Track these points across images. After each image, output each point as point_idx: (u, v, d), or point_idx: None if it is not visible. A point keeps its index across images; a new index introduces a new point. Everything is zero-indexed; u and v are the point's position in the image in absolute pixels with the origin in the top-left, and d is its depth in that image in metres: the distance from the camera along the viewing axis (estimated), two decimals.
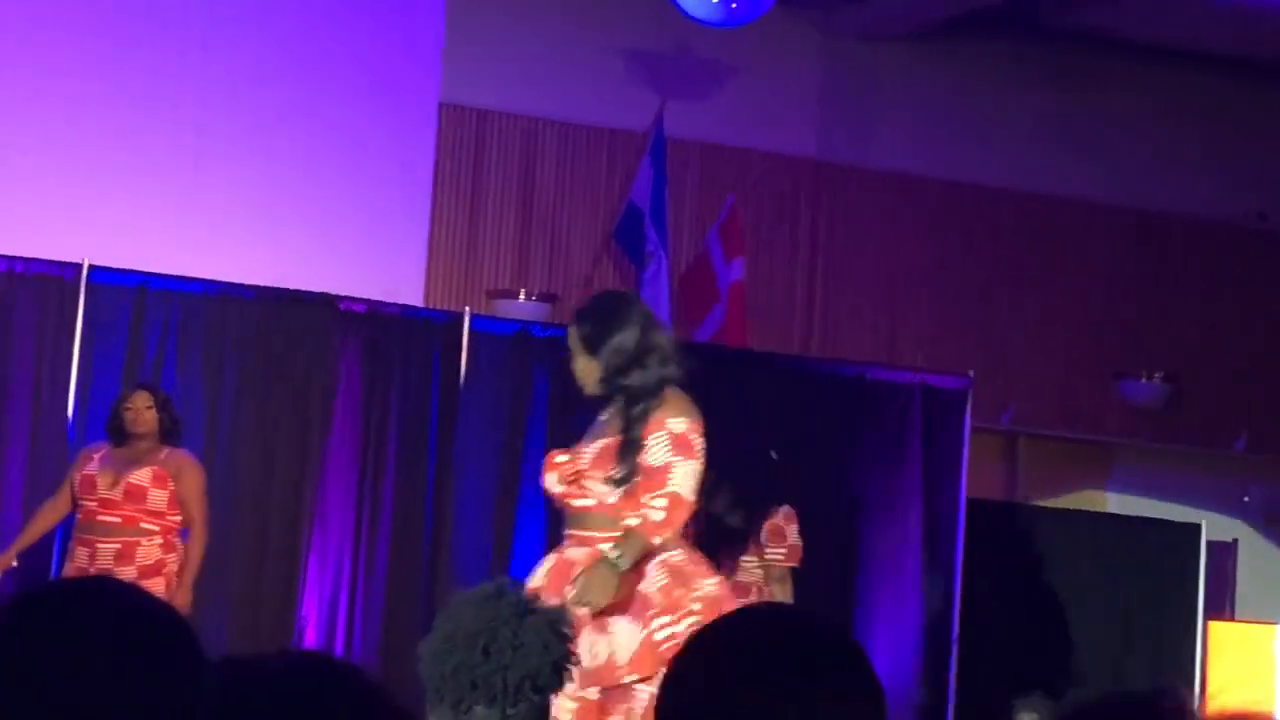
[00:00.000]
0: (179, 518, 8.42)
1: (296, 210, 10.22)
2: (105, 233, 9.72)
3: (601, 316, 5.79)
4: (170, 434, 8.55)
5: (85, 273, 9.11)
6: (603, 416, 5.79)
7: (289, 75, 10.26)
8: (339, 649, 9.22)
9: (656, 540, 5.55)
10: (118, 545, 8.29)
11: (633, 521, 5.55)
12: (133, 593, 1.95)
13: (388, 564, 9.47)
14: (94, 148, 9.90)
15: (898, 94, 12.20)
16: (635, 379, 5.69)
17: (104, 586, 1.95)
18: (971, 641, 10.30)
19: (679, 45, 11.53)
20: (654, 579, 5.56)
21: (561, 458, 5.80)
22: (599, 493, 5.67)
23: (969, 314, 12.29)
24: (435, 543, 9.54)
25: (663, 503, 5.54)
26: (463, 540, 9.57)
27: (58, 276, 9.10)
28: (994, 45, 12.31)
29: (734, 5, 10.19)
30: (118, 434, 8.50)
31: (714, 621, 2.26)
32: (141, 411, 8.49)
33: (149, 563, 8.31)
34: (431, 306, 10.37)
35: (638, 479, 5.59)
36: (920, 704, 10.25)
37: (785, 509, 9.24)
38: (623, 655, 5.48)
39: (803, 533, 9.27)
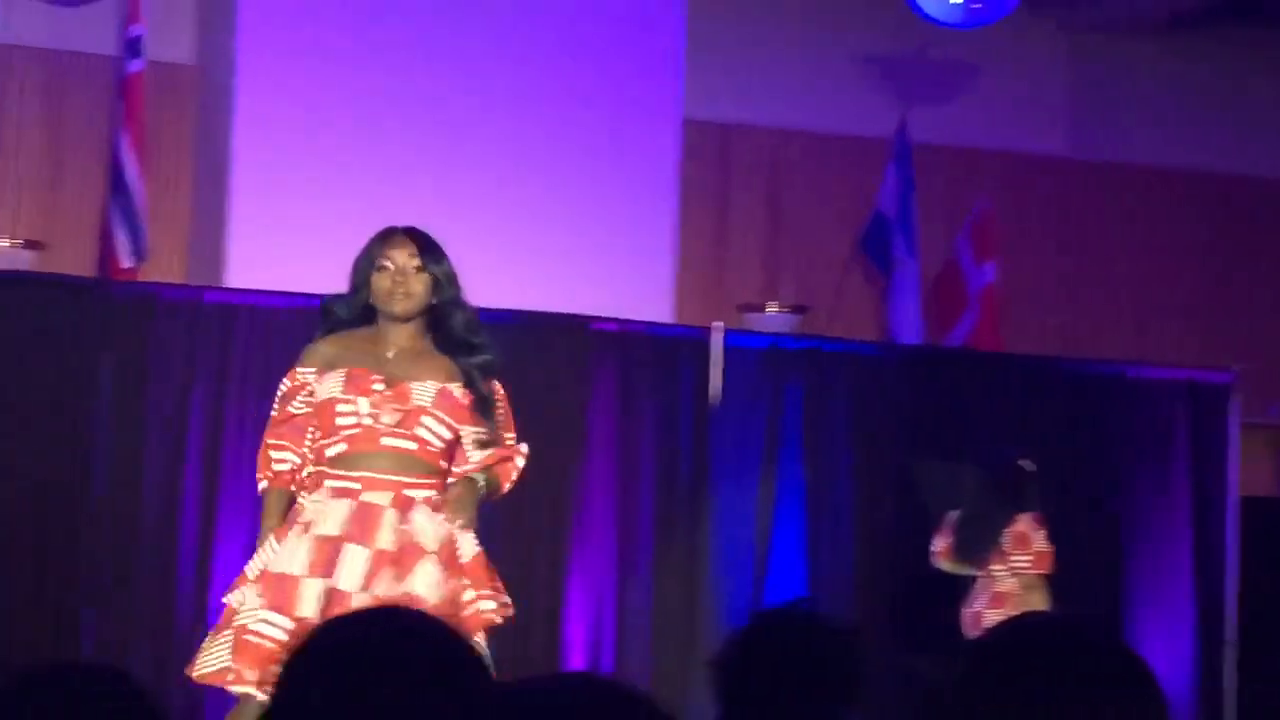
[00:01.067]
0: None
1: (543, 232, 10.31)
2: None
3: (435, 243, 6.00)
4: None
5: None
6: (389, 353, 5.70)
7: (531, 98, 10.36)
8: (605, 671, 9.27)
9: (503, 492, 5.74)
10: None
11: (505, 466, 5.69)
12: (428, 620, 2.00)
13: (651, 583, 9.50)
14: (348, 182, 10.08)
15: (1148, 87, 11.97)
16: (481, 333, 5.75)
17: (398, 613, 2.00)
18: (1251, 641, 10.05)
19: (921, 49, 11.43)
20: (470, 547, 5.68)
21: (378, 384, 5.65)
22: (442, 440, 5.61)
23: (1231, 307, 12.01)
24: (694, 559, 9.55)
25: (522, 463, 5.76)
26: (721, 555, 9.57)
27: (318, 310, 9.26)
28: (1246, 33, 12.02)
29: (976, 6, 10.08)
30: None
31: (987, 634, 2.21)
32: None
33: None
34: (681, 323, 10.39)
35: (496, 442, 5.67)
36: (1198, 708, 10.03)
37: (1029, 515, 9.10)
38: (431, 598, 5.49)
39: (1056, 538, 9.12)
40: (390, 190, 10.06)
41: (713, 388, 9.65)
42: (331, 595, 5.47)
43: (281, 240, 9.85)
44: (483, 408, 5.66)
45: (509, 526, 9.35)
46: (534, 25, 10.40)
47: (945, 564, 9.24)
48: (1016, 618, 2.36)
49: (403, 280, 5.75)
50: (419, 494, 5.61)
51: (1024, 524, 9.09)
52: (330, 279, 9.47)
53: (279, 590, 5.48)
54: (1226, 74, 12.05)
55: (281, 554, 5.53)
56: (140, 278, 9.90)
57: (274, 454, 5.72)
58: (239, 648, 5.48)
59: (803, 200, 11.49)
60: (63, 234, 10.31)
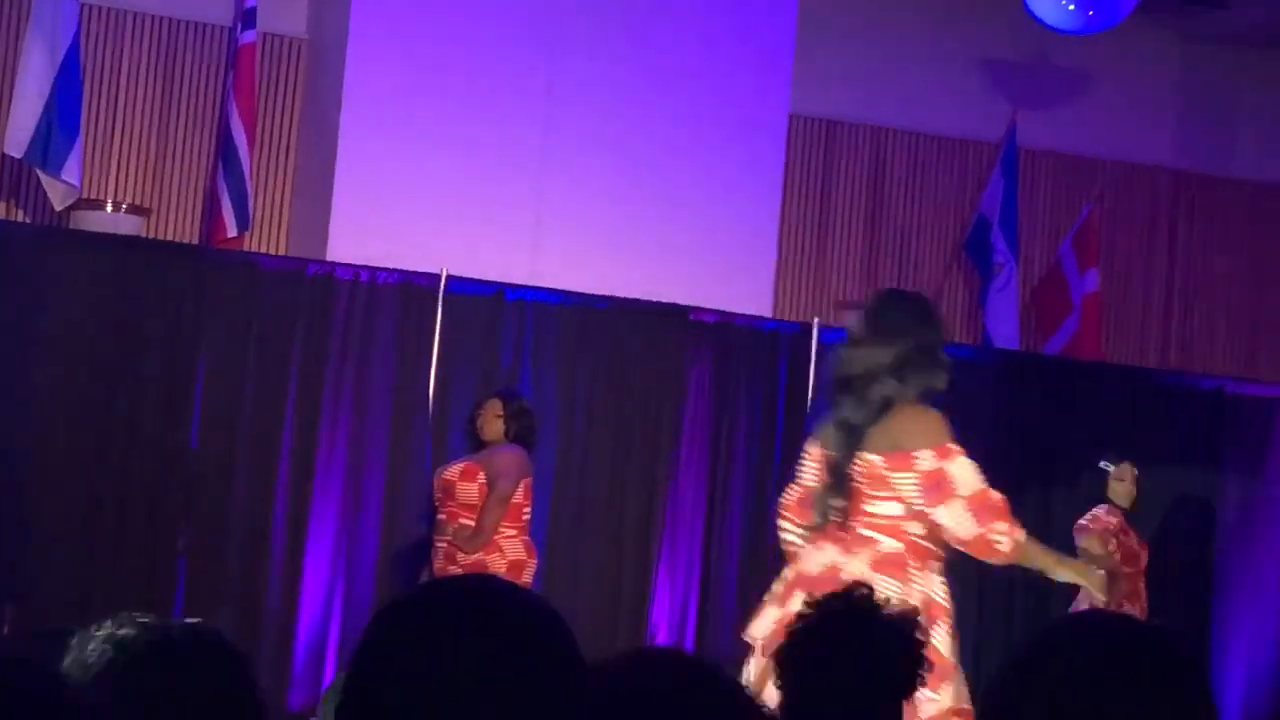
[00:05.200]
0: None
1: (648, 222, 10.30)
2: (464, 245, 9.91)
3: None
4: (520, 442, 8.64)
5: (444, 282, 9.30)
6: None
7: (641, 88, 10.35)
8: None
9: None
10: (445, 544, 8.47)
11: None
12: (514, 591, 2.00)
13: (737, 575, 9.48)
14: (452, 160, 10.10)
15: (1260, 101, 11.85)
16: None
17: (488, 583, 2.00)
18: None
19: (1033, 54, 11.35)
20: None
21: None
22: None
23: None
24: (781, 554, 9.52)
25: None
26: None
27: (419, 285, 9.30)
28: None
29: (1091, 13, 9.99)
30: (472, 439, 8.67)
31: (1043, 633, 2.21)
32: (490, 419, 8.63)
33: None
34: (780, 317, 10.36)
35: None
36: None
37: (1092, 512, 9.12)
38: None
39: (1150, 546, 9.14)
40: (494, 173, 10.08)
41: (810, 384, 9.62)
42: None
43: (384, 215, 9.89)
44: None
45: (600, 514, 9.35)
46: (646, 13, 10.39)
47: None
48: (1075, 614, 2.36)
49: None
50: None
51: (1087, 519, 9.11)
52: (428, 256, 9.53)
53: None
54: None
55: None
56: (244, 246, 9.96)
57: None
58: None
59: (905, 199, 11.44)
60: (169, 200, 10.38)
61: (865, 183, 11.41)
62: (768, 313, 10.30)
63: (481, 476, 8.45)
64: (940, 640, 5.14)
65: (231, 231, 9.90)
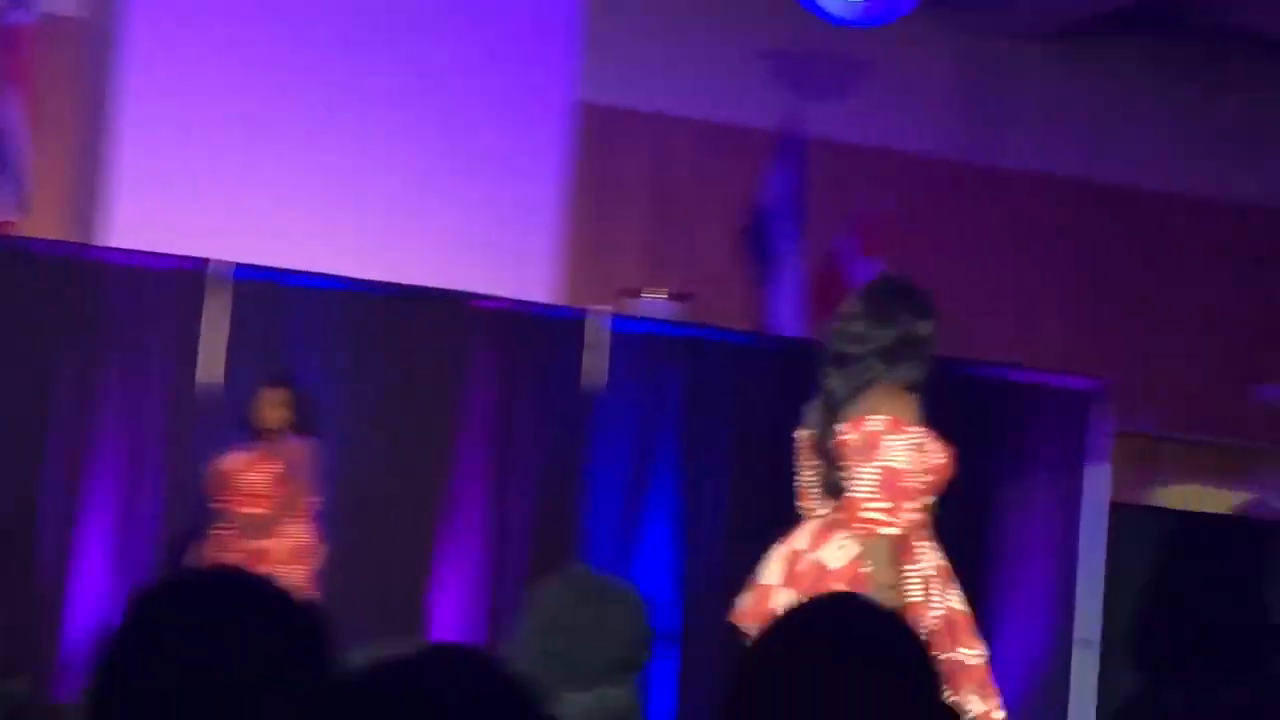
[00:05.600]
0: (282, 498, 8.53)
1: (430, 209, 10.26)
2: (242, 230, 9.80)
3: None
4: (302, 431, 8.63)
5: (223, 269, 9.18)
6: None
7: (424, 74, 10.30)
8: None
9: None
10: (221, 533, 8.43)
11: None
12: (262, 582, 1.98)
13: (521, 566, 9.47)
14: (233, 146, 9.99)
15: (1037, 93, 12.08)
16: None
17: (233, 575, 1.99)
18: (1113, 647, 10.18)
19: (815, 44, 11.47)
20: None
21: None
22: None
23: (1106, 316, 12.14)
24: (568, 545, 9.53)
25: None
26: (596, 541, 9.56)
27: (198, 272, 9.18)
28: (1136, 44, 12.15)
29: (872, 5, 10.12)
30: (251, 428, 8.60)
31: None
32: (271, 407, 8.57)
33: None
34: (564, 305, 10.37)
35: None
36: (1048, 702, 10.15)
37: None
38: None
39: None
40: (275, 158, 9.98)
41: (593, 372, 9.63)
42: None
43: (164, 200, 9.74)
44: None
45: (375, 513, 9.29)
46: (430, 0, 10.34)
47: None
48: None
49: None
50: None
51: None
52: (208, 242, 9.40)
53: None
54: (1111, 84, 12.18)
55: None
56: (19, 232, 9.76)
57: None
58: None
59: (689, 188, 11.51)
60: None
61: (650, 171, 11.45)
62: (550, 300, 10.30)
63: (271, 466, 8.40)
64: (956, 598, 5.32)
65: (6, 216, 9.70)
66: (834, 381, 5.36)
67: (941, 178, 11.94)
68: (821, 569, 5.28)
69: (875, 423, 5.25)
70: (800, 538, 5.42)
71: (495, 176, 10.40)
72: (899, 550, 5.25)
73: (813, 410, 5.48)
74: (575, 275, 11.09)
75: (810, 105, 11.38)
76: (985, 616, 10.11)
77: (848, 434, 5.27)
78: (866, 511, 5.20)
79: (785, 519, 9.65)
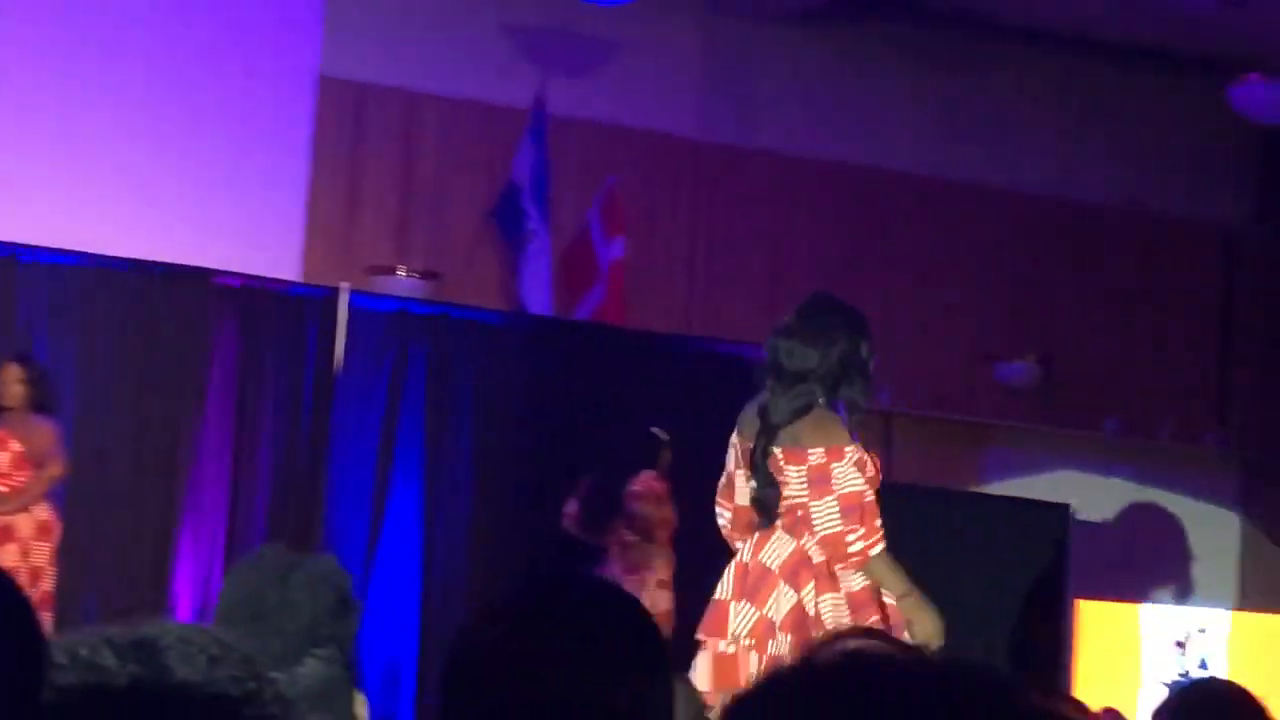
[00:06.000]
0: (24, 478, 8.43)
1: (172, 183, 10.11)
2: None
3: None
4: (42, 407, 8.49)
5: None
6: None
7: (164, 46, 10.14)
8: None
9: None
10: None
11: None
12: None
13: (263, 540, 9.40)
14: None
15: (781, 75, 12.23)
16: None
17: None
18: None
19: (563, 22, 11.49)
20: None
21: None
22: None
23: (848, 294, 12.32)
24: (309, 521, 9.48)
25: None
26: (337, 518, 9.52)
27: None
28: (880, 28, 12.36)
29: None
30: None
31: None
32: (9, 384, 8.42)
33: None
34: (309, 283, 10.30)
35: None
36: None
37: (641, 477, 9.33)
38: None
39: (680, 509, 9.37)
40: (15, 129, 9.77)
41: (337, 350, 9.59)
42: None
43: None
44: None
45: (120, 482, 9.17)
46: None
47: (574, 529, 9.39)
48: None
49: None
50: None
51: (649, 484, 9.29)
52: None
53: None
54: (853, 66, 12.38)
55: None
56: None
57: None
58: None
59: (436, 165, 11.47)
60: None
61: (397, 147, 11.39)
62: (295, 277, 10.22)
63: (11, 444, 8.30)
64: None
65: None
66: (774, 399, 5.42)
67: (686, 157, 12.05)
68: (764, 570, 5.40)
69: (817, 456, 5.34)
70: (745, 551, 5.49)
71: (239, 152, 10.28)
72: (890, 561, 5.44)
73: (748, 419, 5.54)
74: (321, 253, 11.00)
75: (558, 83, 11.40)
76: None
77: (785, 462, 5.37)
78: (849, 545, 5.33)
79: (529, 493, 9.71)
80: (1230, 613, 11.83)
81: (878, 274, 12.40)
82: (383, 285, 10.74)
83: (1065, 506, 12.27)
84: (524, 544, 9.68)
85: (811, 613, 5.33)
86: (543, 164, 11.10)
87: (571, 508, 9.39)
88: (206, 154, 10.20)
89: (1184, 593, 11.86)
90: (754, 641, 5.34)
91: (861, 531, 5.32)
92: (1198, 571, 12.52)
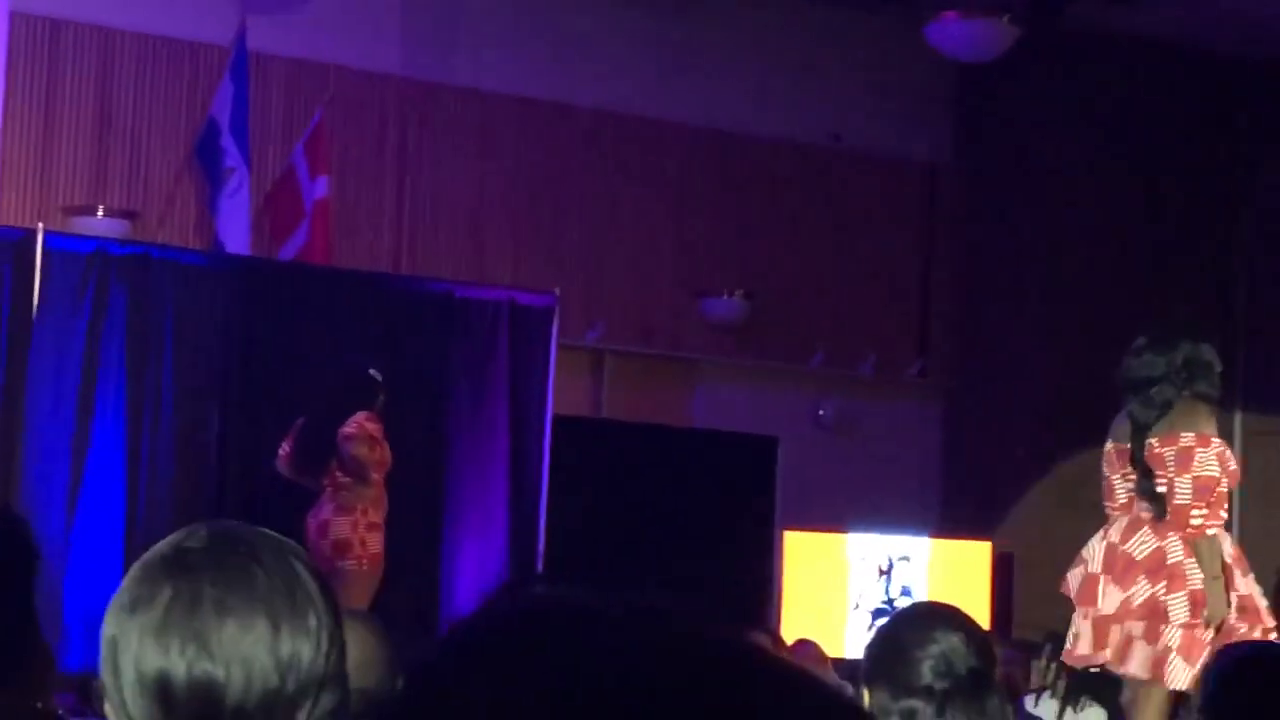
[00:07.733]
0: None
1: None
2: None
3: None
4: None
5: None
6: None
7: None
8: None
9: None
10: None
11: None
12: None
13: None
14: None
15: (483, 10, 12.18)
16: None
17: None
18: (557, 558, 10.43)
19: None
20: None
21: None
22: None
23: (555, 231, 12.37)
24: (8, 467, 9.25)
25: None
26: (34, 465, 9.29)
27: None
28: None
29: None
30: None
31: None
32: None
33: None
34: (3, 224, 10.01)
35: None
36: None
37: (355, 419, 9.25)
38: None
39: (392, 449, 9.32)
40: None
41: (34, 293, 9.34)
42: None
43: None
44: None
45: None
46: None
47: (287, 470, 9.29)
48: None
49: None
50: None
51: (364, 425, 9.21)
52: None
53: None
54: (550, 1, 12.35)
55: None
56: None
57: None
58: None
59: (134, 103, 11.22)
60: None
61: (93, 85, 11.12)
62: None
63: None
64: (1246, 584, 6.68)
65: None
66: (1136, 408, 6.64)
67: (392, 93, 11.95)
68: (1130, 560, 6.58)
69: (1187, 439, 6.55)
70: (1114, 531, 6.71)
71: None
72: (1218, 546, 6.60)
73: (1120, 427, 6.75)
74: (14, 192, 10.71)
75: (258, 18, 11.21)
76: (445, 533, 10.27)
77: (1160, 448, 6.57)
78: (1192, 518, 6.51)
79: (234, 434, 9.58)
80: (930, 540, 12.15)
81: (582, 210, 12.45)
82: (80, 226, 10.49)
83: (773, 439, 12.49)
84: (231, 486, 9.56)
85: (1161, 606, 6.53)
86: (243, 101, 10.92)
87: (285, 449, 9.29)
88: None
89: (888, 522, 12.14)
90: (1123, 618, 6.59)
91: (1206, 513, 6.52)
92: (901, 500, 12.83)
